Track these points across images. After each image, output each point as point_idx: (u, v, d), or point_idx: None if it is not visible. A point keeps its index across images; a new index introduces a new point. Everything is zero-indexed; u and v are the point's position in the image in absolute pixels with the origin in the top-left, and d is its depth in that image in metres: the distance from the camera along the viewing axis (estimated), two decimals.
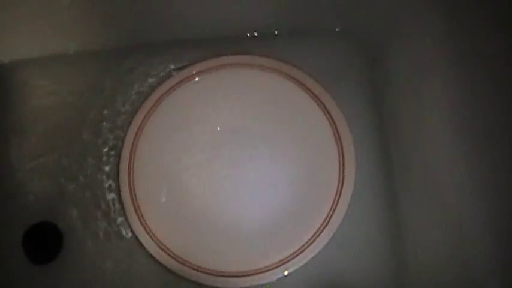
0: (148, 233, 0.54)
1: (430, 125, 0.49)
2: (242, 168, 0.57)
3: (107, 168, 0.57)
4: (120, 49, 0.60)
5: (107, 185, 0.57)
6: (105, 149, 0.57)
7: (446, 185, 0.47)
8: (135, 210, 0.55)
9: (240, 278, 0.53)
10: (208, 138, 0.58)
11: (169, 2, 0.54)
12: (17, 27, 0.54)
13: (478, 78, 0.42)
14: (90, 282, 0.54)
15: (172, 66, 0.59)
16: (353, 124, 0.57)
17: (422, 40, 0.49)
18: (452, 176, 0.46)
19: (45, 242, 0.54)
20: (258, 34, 0.60)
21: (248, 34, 0.60)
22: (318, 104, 0.57)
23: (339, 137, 0.56)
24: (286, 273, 0.53)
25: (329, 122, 0.57)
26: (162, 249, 0.54)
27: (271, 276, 0.53)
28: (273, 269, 0.53)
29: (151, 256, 0.54)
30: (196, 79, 0.59)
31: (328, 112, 0.57)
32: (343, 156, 0.56)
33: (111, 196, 0.56)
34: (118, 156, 0.57)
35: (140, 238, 0.54)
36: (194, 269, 0.54)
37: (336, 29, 0.60)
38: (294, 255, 0.53)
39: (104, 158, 0.57)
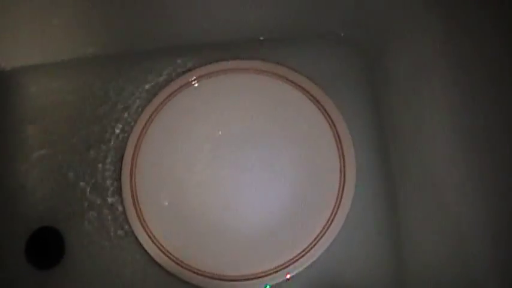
0: (150, 237, 0.55)
1: (429, 127, 0.49)
2: (243, 172, 0.57)
3: (109, 173, 0.57)
4: (121, 55, 0.60)
5: (109, 190, 0.57)
6: (107, 155, 0.58)
7: (445, 185, 0.46)
8: (137, 214, 0.55)
9: (242, 282, 0.54)
10: (209, 142, 0.58)
11: (170, 7, 0.54)
12: (18, 35, 0.55)
13: (477, 79, 0.42)
14: (93, 286, 0.55)
15: (173, 72, 0.60)
16: (353, 126, 0.57)
17: (422, 42, 0.49)
18: (451, 176, 0.45)
19: (47, 247, 0.55)
20: (257, 39, 0.60)
21: (248, 39, 0.60)
22: (317, 107, 0.57)
23: (339, 140, 0.56)
24: (287, 276, 0.53)
25: (329, 124, 0.57)
26: (164, 253, 0.54)
27: (272, 280, 0.53)
28: (274, 272, 0.54)
29: (152, 260, 0.54)
30: (197, 84, 0.59)
31: (328, 115, 0.57)
32: (343, 159, 0.56)
33: (113, 200, 0.57)
34: (120, 161, 0.57)
35: (142, 242, 0.55)
36: (195, 272, 0.54)
37: (335, 32, 0.60)
38: (295, 258, 0.54)
39: (106, 163, 0.58)
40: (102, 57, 0.60)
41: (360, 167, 0.56)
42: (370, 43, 0.59)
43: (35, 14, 0.53)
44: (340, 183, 0.55)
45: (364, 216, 0.55)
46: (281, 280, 0.53)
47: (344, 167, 0.56)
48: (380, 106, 0.58)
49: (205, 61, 0.59)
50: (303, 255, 0.53)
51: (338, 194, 0.55)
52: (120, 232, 0.56)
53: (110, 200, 0.57)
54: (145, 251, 0.54)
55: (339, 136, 0.56)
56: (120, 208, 0.56)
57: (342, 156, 0.56)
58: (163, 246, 0.54)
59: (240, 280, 0.54)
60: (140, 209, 0.55)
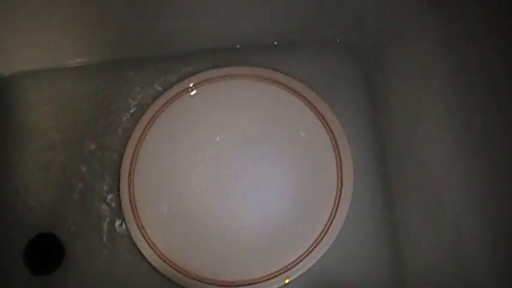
0: (148, 243, 0.54)
1: (426, 129, 0.49)
2: (241, 178, 0.57)
3: (107, 180, 0.57)
4: (119, 62, 0.60)
5: (107, 196, 0.57)
6: (106, 161, 0.58)
7: (442, 186, 0.47)
8: (136, 221, 0.55)
9: (241, 287, 0.53)
10: (207, 148, 0.58)
11: (166, 15, 0.55)
12: (16, 41, 0.55)
13: (475, 81, 0.42)
14: None
15: (170, 78, 0.60)
16: (350, 131, 0.57)
17: (419, 45, 0.49)
18: (448, 177, 0.46)
19: (46, 253, 0.55)
20: (256, 45, 0.61)
21: (244, 45, 0.61)
22: (314, 112, 0.58)
23: (336, 144, 0.56)
24: (286, 281, 0.53)
25: (326, 129, 0.57)
26: (162, 259, 0.54)
27: (271, 285, 0.53)
28: (273, 277, 0.53)
29: (151, 266, 0.54)
30: (194, 91, 0.59)
31: (324, 120, 0.57)
32: (341, 163, 0.56)
33: (111, 207, 0.57)
34: (119, 167, 0.57)
35: (141, 248, 0.54)
36: (195, 279, 0.54)
37: (333, 39, 0.61)
38: (295, 263, 0.53)
39: (105, 170, 0.58)
40: (99, 64, 0.60)
41: (357, 171, 0.56)
42: (366, 47, 0.59)
43: (33, 21, 0.53)
44: (337, 187, 0.55)
45: (362, 219, 0.55)
46: (280, 285, 0.53)
47: (341, 171, 0.56)
48: (377, 110, 0.59)
49: (201, 68, 0.60)
50: (302, 260, 0.53)
51: (336, 198, 0.55)
52: (118, 238, 0.56)
53: (108, 206, 0.57)
54: (144, 257, 0.54)
55: (336, 141, 0.57)
56: (118, 214, 0.56)
57: (339, 161, 0.56)
58: (161, 253, 0.54)
59: (240, 285, 0.53)
60: (138, 216, 0.55)
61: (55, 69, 0.60)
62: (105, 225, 0.56)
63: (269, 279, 0.53)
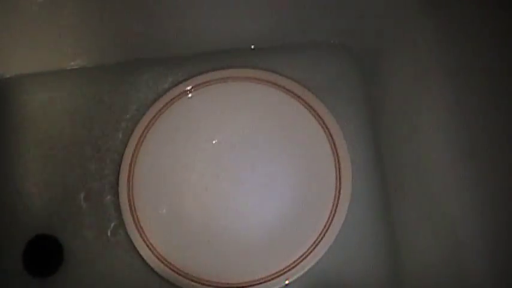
0: (147, 245, 0.54)
1: (425, 131, 0.49)
2: (239, 179, 0.58)
3: (106, 181, 0.57)
4: (118, 64, 0.60)
5: (106, 198, 0.57)
6: (105, 163, 0.58)
7: (440, 188, 0.47)
8: (134, 223, 0.55)
9: None
10: (206, 150, 0.58)
11: (164, 18, 0.55)
12: (17, 43, 0.55)
13: (473, 83, 0.42)
14: None
15: (168, 81, 0.60)
16: (348, 133, 0.57)
17: (416, 48, 0.49)
18: (446, 179, 0.46)
19: (45, 254, 0.54)
20: (253, 47, 0.61)
21: (243, 48, 0.61)
22: (312, 114, 0.58)
23: (335, 146, 0.57)
24: (286, 282, 0.53)
25: (324, 131, 0.57)
26: (161, 261, 0.54)
27: (271, 286, 0.53)
28: (273, 279, 0.53)
29: (150, 268, 0.54)
30: (192, 93, 0.59)
31: (323, 121, 0.57)
32: (339, 165, 0.56)
33: (110, 209, 0.56)
34: (118, 169, 0.57)
35: (139, 250, 0.54)
36: (193, 280, 0.53)
37: (331, 41, 0.61)
38: (294, 264, 0.53)
39: (104, 172, 0.58)
40: (99, 66, 0.60)
41: (355, 172, 0.56)
42: (364, 50, 0.60)
43: (33, 23, 0.53)
44: (336, 188, 0.55)
45: (361, 220, 0.55)
46: (280, 286, 0.53)
47: (340, 172, 0.56)
48: (375, 111, 0.59)
49: (199, 70, 0.60)
50: (301, 261, 0.53)
51: (335, 199, 0.55)
52: (117, 240, 0.55)
53: (107, 207, 0.57)
54: (143, 258, 0.54)
55: (334, 142, 0.57)
56: (117, 216, 0.56)
57: (338, 162, 0.56)
58: (160, 254, 0.54)
59: (239, 287, 0.53)
60: (137, 217, 0.55)
61: (54, 72, 0.60)
62: (104, 227, 0.56)
63: (268, 280, 0.53)
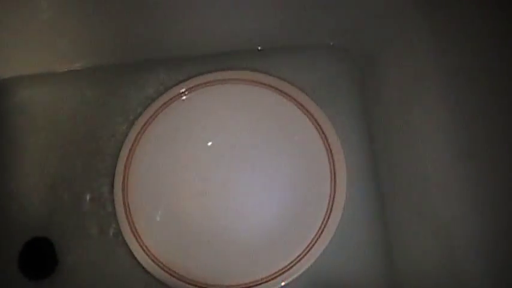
0: (142, 248, 0.54)
1: (420, 134, 0.50)
2: (234, 182, 0.58)
3: (101, 184, 0.57)
4: (114, 66, 0.60)
5: (101, 201, 0.57)
6: (100, 165, 0.58)
7: (435, 191, 0.47)
8: (130, 225, 0.55)
9: None
10: (201, 152, 0.58)
11: (160, 20, 0.55)
12: (13, 45, 0.55)
13: (468, 86, 0.42)
14: None
15: (164, 83, 0.60)
16: (343, 135, 0.57)
17: (414, 51, 0.49)
18: (441, 182, 0.46)
19: (40, 257, 0.54)
20: (247, 49, 0.61)
21: (238, 50, 0.61)
22: (308, 117, 0.58)
23: (330, 149, 0.57)
24: (283, 284, 0.54)
25: (320, 134, 0.57)
26: (156, 264, 0.54)
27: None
28: (269, 280, 0.54)
29: (146, 271, 0.54)
30: (187, 95, 0.59)
31: (318, 124, 0.57)
32: (334, 167, 0.56)
33: (105, 211, 0.56)
34: (113, 171, 0.57)
35: (135, 253, 0.54)
36: (189, 283, 0.54)
37: (327, 43, 0.61)
38: (290, 266, 0.54)
39: (99, 174, 0.57)
40: (94, 69, 0.60)
41: (350, 174, 0.56)
42: (361, 52, 0.60)
43: (29, 25, 0.53)
44: (331, 190, 0.56)
45: (356, 222, 0.56)
46: (277, 287, 0.53)
47: (335, 175, 0.56)
48: (371, 115, 0.59)
49: (195, 72, 0.60)
50: (297, 262, 0.54)
51: (329, 201, 0.55)
52: (112, 242, 0.55)
53: (102, 210, 0.56)
54: (138, 261, 0.54)
55: (329, 145, 0.57)
56: (112, 218, 0.56)
57: (333, 165, 0.56)
58: (155, 257, 0.54)
59: None
60: (132, 220, 0.55)
61: (53, 73, 0.60)
62: (99, 230, 0.56)
63: (265, 282, 0.53)
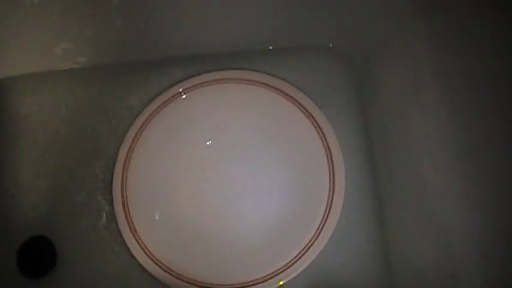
0: (141, 247, 0.55)
1: (418, 135, 0.50)
2: (233, 181, 0.58)
3: (100, 183, 0.57)
4: (112, 66, 0.60)
5: (100, 200, 0.57)
6: (99, 164, 0.58)
7: (433, 193, 0.47)
8: (128, 224, 0.55)
9: None
10: (200, 152, 0.58)
11: (160, 20, 0.55)
12: (10, 44, 0.55)
13: (465, 88, 0.43)
14: None
15: (163, 82, 0.60)
16: (342, 136, 0.58)
17: (411, 54, 0.49)
18: (439, 185, 0.46)
19: (38, 256, 0.54)
20: (249, 50, 0.61)
21: (237, 50, 0.61)
22: (307, 117, 0.58)
23: (329, 148, 0.57)
24: (281, 283, 0.54)
25: (318, 134, 0.57)
26: (155, 263, 0.54)
27: (266, 287, 0.53)
28: (267, 279, 0.54)
29: (144, 270, 0.54)
30: (186, 95, 0.59)
31: (317, 124, 0.58)
32: (333, 167, 0.56)
33: (104, 211, 0.56)
34: (111, 171, 0.57)
35: (133, 251, 0.54)
36: (187, 282, 0.54)
37: (327, 45, 0.61)
38: (287, 265, 0.54)
39: (98, 173, 0.58)
40: (93, 68, 0.60)
41: (348, 176, 0.56)
42: (359, 53, 0.60)
43: (26, 24, 0.53)
44: (329, 192, 0.56)
45: (354, 222, 0.56)
46: (274, 287, 0.54)
47: (333, 176, 0.56)
48: (369, 115, 0.59)
49: (194, 72, 0.60)
50: (294, 262, 0.54)
51: (328, 202, 0.55)
52: (111, 242, 0.55)
53: (101, 209, 0.56)
54: (136, 260, 0.54)
55: (328, 145, 0.57)
56: (111, 218, 0.56)
57: (331, 165, 0.56)
58: (154, 256, 0.54)
59: None
60: (131, 219, 0.55)
61: (48, 73, 0.60)
62: (97, 229, 0.56)
63: (263, 281, 0.54)
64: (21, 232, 0.55)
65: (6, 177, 0.57)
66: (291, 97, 0.58)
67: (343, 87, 0.60)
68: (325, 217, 0.55)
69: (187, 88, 0.59)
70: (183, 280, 0.54)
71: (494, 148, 0.40)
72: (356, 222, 0.56)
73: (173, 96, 0.59)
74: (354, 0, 0.54)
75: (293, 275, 0.54)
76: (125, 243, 0.55)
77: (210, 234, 0.56)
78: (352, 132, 0.59)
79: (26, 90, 0.60)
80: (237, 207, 0.57)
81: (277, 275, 0.54)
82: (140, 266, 0.54)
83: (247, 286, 0.54)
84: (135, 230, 0.55)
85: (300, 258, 0.54)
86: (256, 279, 0.54)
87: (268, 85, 0.59)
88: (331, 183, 0.56)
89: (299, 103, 0.58)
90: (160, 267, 0.54)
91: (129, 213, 0.56)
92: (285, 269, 0.54)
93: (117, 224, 0.55)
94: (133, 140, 0.58)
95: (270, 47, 0.61)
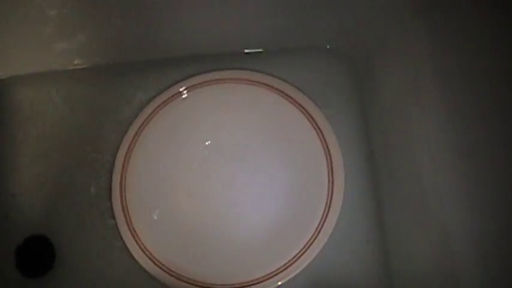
0: (140, 247, 0.55)
1: (417, 136, 0.50)
2: (232, 181, 0.58)
3: (99, 183, 0.57)
4: (112, 66, 0.60)
5: (99, 200, 0.57)
6: (98, 164, 0.58)
7: (432, 195, 0.47)
8: (127, 224, 0.55)
9: None
10: (199, 152, 0.58)
11: (160, 20, 0.55)
12: (13, 44, 0.55)
13: (466, 90, 0.42)
14: None
15: (162, 82, 0.60)
16: (341, 136, 0.58)
17: (411, 54, 0.49)
18: (438, 186, 0.46)
19: (37, 255, 0.54)
20: (249, 50, 0.61)
21: (237, 50, 0.61)
22: (306, 117, 0.58)
23: (328, 149, 0.57)
24: (279, 283, 0.54)
25: (318, 134, 0.57)
26: (155, 263, 0.54)
27: (265, 287, 0.53)
28: (265, 280, 0.54)
29: (143, 270, 0.54)
30: (186, 95, 0.59)
31: (316, 125, 0.58)
32: (332, 168, 0.56)
33: (103, 210, 0.56)
34: (111, 170, 0.57)
35: (132, 251, 0.54)
36: (186, 281, 0.54)
37: (327, 46, 0.61)
38: (286, 266, 0.54)
39: (97, 173, 0.58)
40: (93, 68, 0.60)
41: (348, 176, 0.56)
42: (359, 53, 0.60)
43: (27, 24, 0.53)
44: (328, 192, 0.56)
45: (353, 225, 0.56)
46: (274, 287, 0.54)
47: (332, 176, 0.56)
48: (368, 115, 0.59)
49: (194, 72, 0.60)
50: (293, 263, 0.54)
51: (327, 203, 0.55)
52: (110, 242, 0.55)
53: (100, 209, 0.56)
54: (135, 259, 0.54)
55: (327, 146, 0.57)
56: (110, 217, 0.56)
57: (331, 166, 0.56)
58: (154, 256, 0.54)
59: None
60: (130, 219, 0.55)
61: (48, 73, 0.60)
62: (97, 229, 0.56)
63: (263, 281, 0.54)
64: (21, 231, 0.55)
65: (6, 177, 0.57)
66: (291, 97, 0.58)
67: (343, 88, 0.60)
68: (324, 217, 0.55)
69: (187, 88, 0.59)
70: (182, 280, 0.54)
71: (494, 148, 0.40)
72: (355, 222, 0.56)
73: (173, 96, 0.59)
74: (354, 1, 0.54)
75: (292, 275, 0.54)
76: (124, 243, 0.55)
77: (209, 234, 0.56)
78: (352, 132, 0.59)
79: (26, 90, 0.60)
80: (237, 207, 0.57)
81: (276, 274, 0.54)
82: (140, 266, 0.54)
83: (247, 286, 0.54)
84: (135, 230, 0.55)
85: (299, 258, 0.54)
86: (256, 279, 0.54)
87: (268, 85, 0.59)
88: (331, 183, 0.56)
89: (299, 103, 0.58)
90: (160, 267, 0.54)
91: (129, 213, 0.55)
92: (285, 269, 0.54)
93: (116, 223, 0.55)
94: (132, 140, 0.58)
95: (270, 48, 0.61)
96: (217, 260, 0.55)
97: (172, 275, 0.54)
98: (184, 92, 0.59)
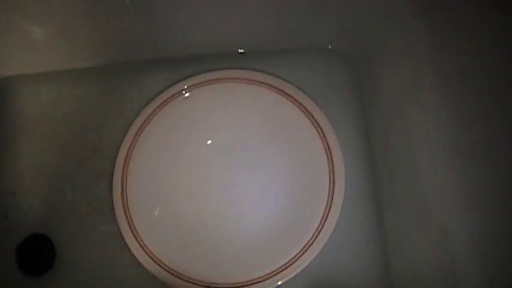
0: (140, 245, 0.55)
1: (418, 136, 0.50)
2: (233, 181, 0.58)
3: (100, 182, 0.57)
4: (112, 66, 0.61)
5: (100, 199, 0.57)
6: (99, 163, 0.58)
7: (433, 195, 0.47)
8: (128, 223, 0.55)
9: None
10: (200, 151, 0.58)
11: (160, 20, 0.55)
12: (15, 44, 0.55)
13: (465, 88, 0.43)
14: None
15: (163, 82, 0.60)
16: (342, 136, 0.58)
17: (411, 54, 0.49)
18: (439, 186, 0.46)
19: (38, 254, 0.54)
20: (250, 50, 0.61)
21: (240, 50, 0.61)
22: (307, 117, 0.58)
23: (329, 149, 0.57)
24: (279, 283, 0.54)
25: (319, 134, 0.57)
26: (155, 262, 0.54)
27: (265, 287, 0.53)
28: (265, 279, 0.54)
29: (144, 268, 0.54)
30: (187, 94, 0.59)
31: (318, 124, 0.58)
32: (333, 168, 0.56)
33: (104, 209, 0.56)
34: (112, 169, 0.57)
35: (132, 250, 0.54)
36: (186, 280, 0.54)
37: (327, 46, 0.61)
38: (286, 266, 0.54)
39: (98, 172, 0.58)
40: (93, 68, 0.60)
41: (348, 176, 0.56)
42: (359, 53, 0.60)
43: (28, 24, 0.53)
44: (329, 192, 0.56)
45: (353, 225, 0.56)
46: (273, 287, 0.54)
47: (333, 175, 0.56)
48: (369, 115, 0.59)
49: (194, 72, 0.60)
50: (293, 263, 0.54)
51: (327, 203, 0.55)
52: (110, 240, 0.55)
53: (100, 208, 0.57)
54: (136, 258, 0.54)
55: (328, 145, 0.57)
56: (110, 216, 0.56)
57: (331, 165, 0.56)
58: (153, 254, 0.54)
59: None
60: (131, 217, 0.55)
61: (48, 73, 0.60)
62: (97, 227, 0.56)
63: (263, 280, 0.53)
64: (21, 230, 0.55)
65: (7, 176, 0.57)
66: (291, 97, 0.58)
67: (343, 87, 0.60)
68: (324, 217, 0.55)
69: (188, 87, 0.59)
70: (182, 279, 0.54)
71: (494, 148, 0.40)
72: (356, 222, 0.56)
73: (173, 95, 0.59)
74: (354, 1, 0.54)
75: (293, 275, 0.54)
76: (125, 242, 0.55)
77: (210, 233, 0.56)
78: (352, 132, 0.59)
79: (26, 90, 0.60)
80: (237, 206, 0.57)
81: (276, 274, 0.54)
82: (140, 265, 0.54)
83: (247, 285, 0.54)
84: (135, 229, 0.55)
85: (299, 257, 0.54)
86: (256, 279, 0.54)
87: (269, 85, 0.59)
88: (331, 182, 0.56)
89: (299, 103, 0.58)
90: (160, 266, 0.54)
91: (129, 212, 0.56)
92: (285, 269, 0.54)
93: (117, 223, 0.55)
94: (133, 140, 0.58)
95: (271, 48, 0.61)
96: (218, 259, 0.55)
97: (172, 274, 0.54)
98: (185, 91, 0.59)
